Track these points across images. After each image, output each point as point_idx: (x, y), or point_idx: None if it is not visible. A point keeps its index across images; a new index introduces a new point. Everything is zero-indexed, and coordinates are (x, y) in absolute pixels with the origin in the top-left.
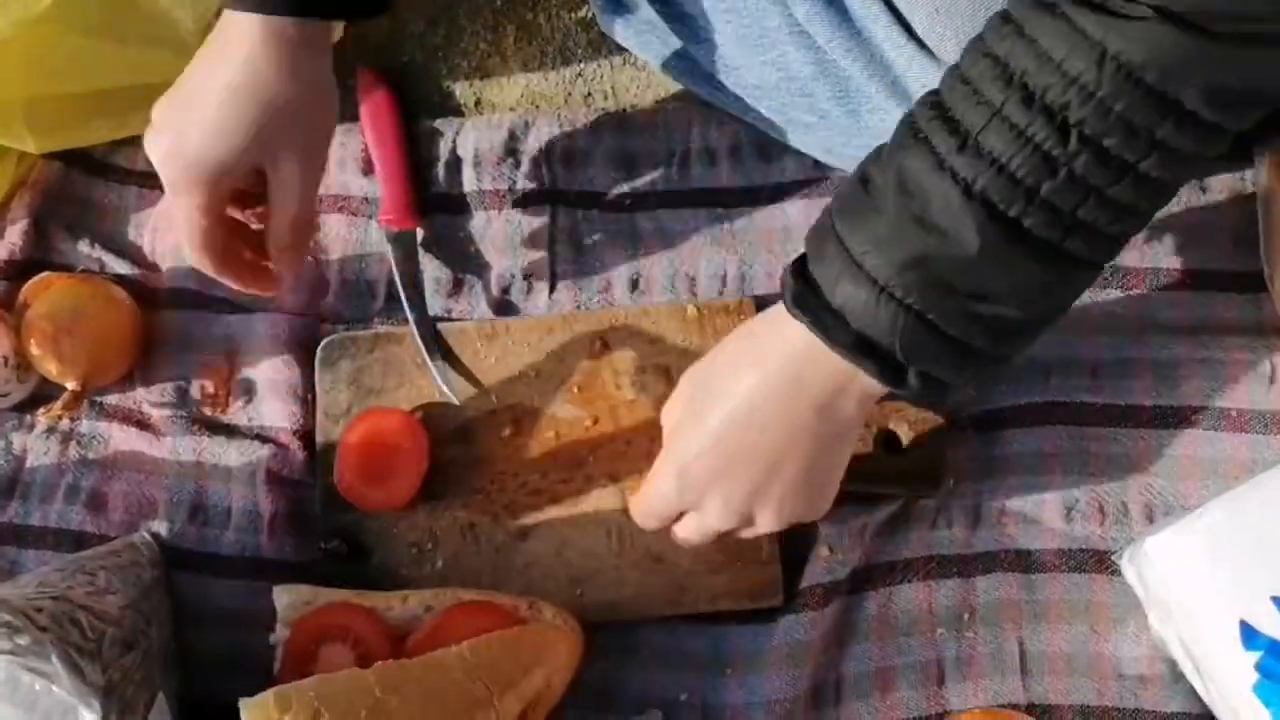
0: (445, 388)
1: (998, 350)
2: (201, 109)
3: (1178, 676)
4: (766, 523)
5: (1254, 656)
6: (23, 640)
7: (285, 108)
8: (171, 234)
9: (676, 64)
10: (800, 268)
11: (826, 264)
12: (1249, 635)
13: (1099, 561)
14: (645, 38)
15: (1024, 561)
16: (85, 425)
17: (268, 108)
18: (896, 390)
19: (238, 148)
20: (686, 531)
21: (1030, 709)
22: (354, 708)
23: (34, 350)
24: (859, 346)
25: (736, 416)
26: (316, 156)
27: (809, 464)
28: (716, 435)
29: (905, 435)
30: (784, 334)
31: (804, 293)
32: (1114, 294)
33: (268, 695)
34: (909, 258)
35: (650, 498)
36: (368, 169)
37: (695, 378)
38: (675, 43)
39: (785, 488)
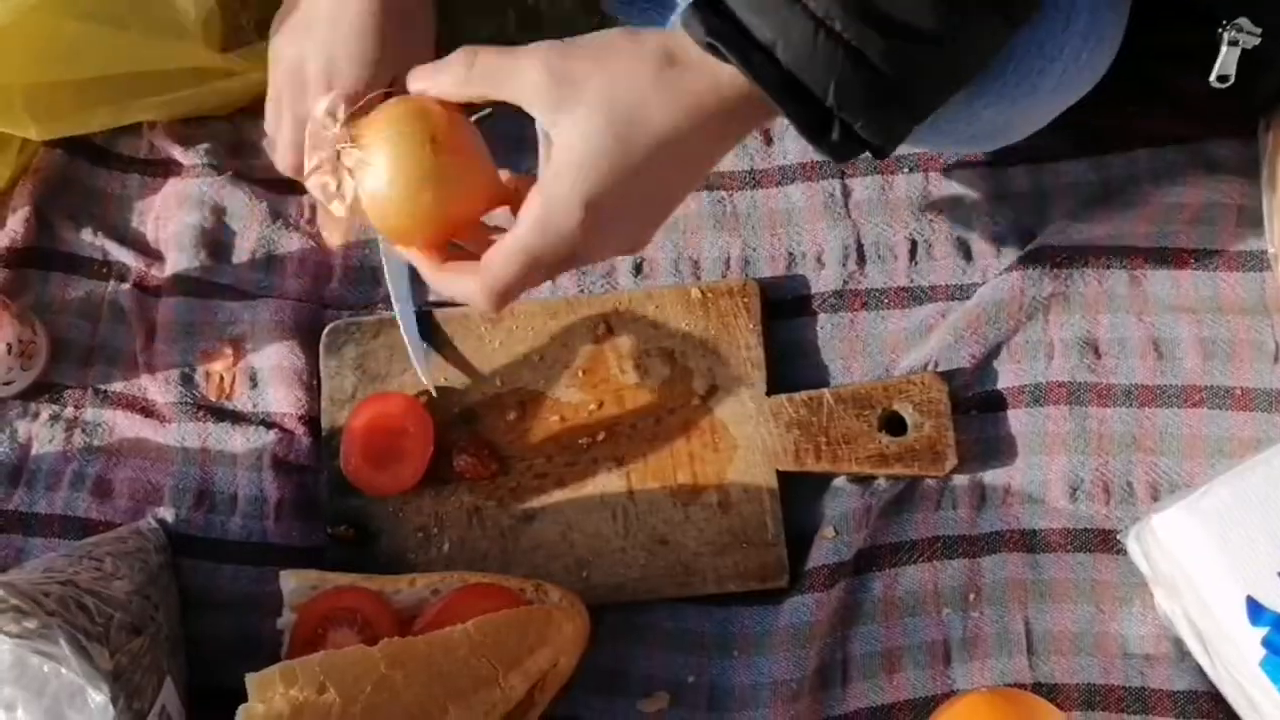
0: (420, 369)
1: (924, 97)
2: (342, 22)
3: (1184, 654)
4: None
5: (1261, 632)
6: (31, 624)
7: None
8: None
9: None
10: (712, 2)
11: None
12: (1255, 611)
13: (1104, 541)
14: (647, 13)
15: (1029, 541)
16: (90, 413)
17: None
18: (814, 143)
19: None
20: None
21: (1036, 688)
22: (360, 683)
23: None
24: (788, 88)
25: (664, 157)
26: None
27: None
28: (641, 173)
29: (909, 417)
30: (717, 76)
31: (723, 27)
32: (1118, 273)
33: (273, 670)
34: None
35: (543, 240)
36: None
37: (613, 111)
38: (677, 13)
39: (662, 218)
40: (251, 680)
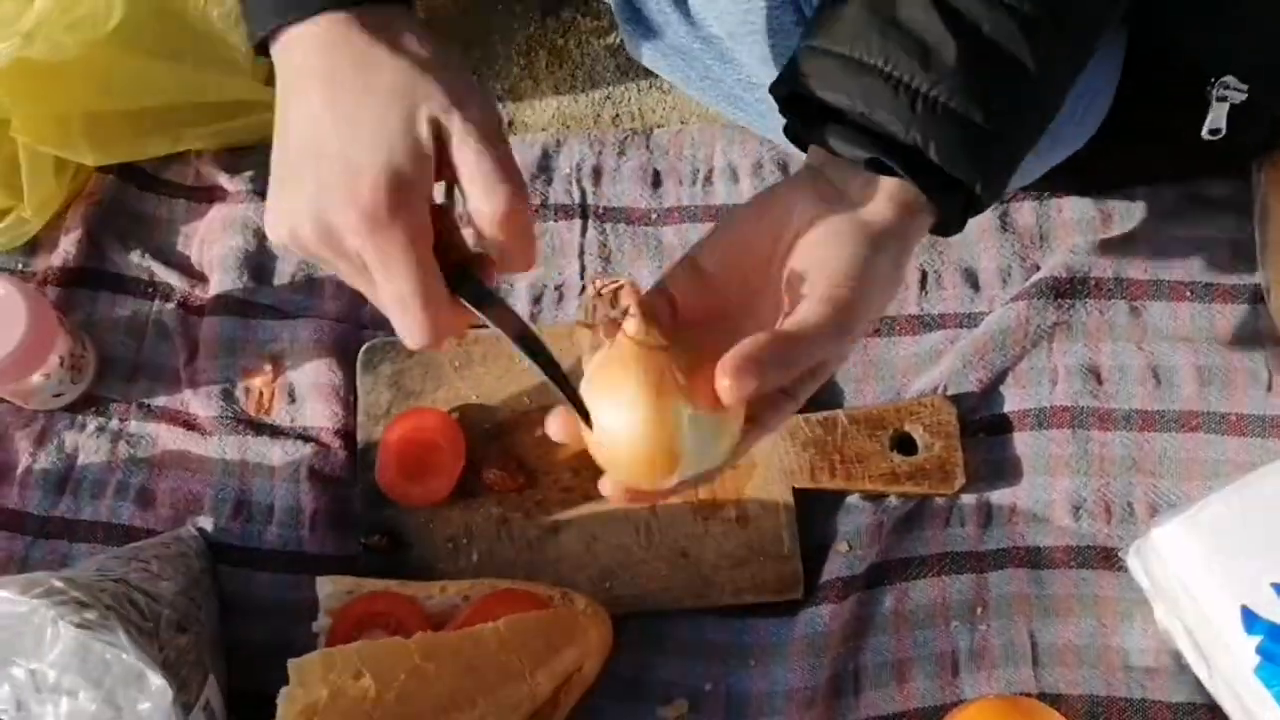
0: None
1: (1021, 144)
2: (333, 145)
3: (1183, 668)
4: None
5: (1255, 640)
6: (91, 615)
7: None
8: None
9: (700, 84)
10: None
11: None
12: (1250, 620)
13: (1106, 558)
14: (671, 60)
15: (1034, 558)
16: (134, 425)
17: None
18: (943, 229)
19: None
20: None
21: (1041, 698)
22: (394, 671)
23: None
24: (947, 183)
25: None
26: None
27: None
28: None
29: (920, 438)
30: (915, 217)
31: (855, 136)
32: (1118, 304)
33: (314, 656)
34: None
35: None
36: None
37: (864, 293)
38: (700, 65)
39: None
40: (293, 665)
